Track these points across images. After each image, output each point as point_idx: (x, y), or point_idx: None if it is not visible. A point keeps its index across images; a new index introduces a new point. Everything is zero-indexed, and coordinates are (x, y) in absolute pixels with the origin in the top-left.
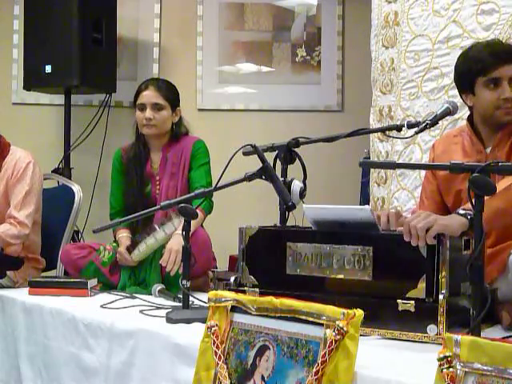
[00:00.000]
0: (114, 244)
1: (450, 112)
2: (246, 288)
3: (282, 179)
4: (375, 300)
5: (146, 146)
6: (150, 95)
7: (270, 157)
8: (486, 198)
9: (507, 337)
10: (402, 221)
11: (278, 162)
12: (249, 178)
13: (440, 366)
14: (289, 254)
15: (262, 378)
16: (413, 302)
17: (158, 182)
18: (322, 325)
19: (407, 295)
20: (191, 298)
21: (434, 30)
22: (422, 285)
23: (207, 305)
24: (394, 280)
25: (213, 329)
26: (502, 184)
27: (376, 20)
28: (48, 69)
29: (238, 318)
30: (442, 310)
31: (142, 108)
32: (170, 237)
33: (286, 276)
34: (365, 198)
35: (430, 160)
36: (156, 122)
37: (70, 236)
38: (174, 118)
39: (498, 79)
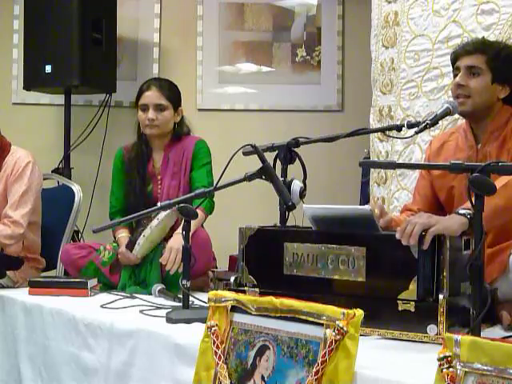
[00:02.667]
0: (114, 244)
1: (449, 112)
2: (246, 288)
3: (282, 179)
4: (375, 300)
5: (147, 145)
6: (152, 96)
7: (269, 157)
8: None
9: (507, 337)
10: (389, 219)
11: (278, 162)
12: (249, 178)
13: (440, 366)
14: (286, 254)
15: (262, 377)
16: (413, 302)
17: (159, 182)
18: (322, 325)
19: (399, 297)
20: (191, 298)
21: (434, 30)
22: (413, 286)
23: (207, 305)
24: (386, 281)
25: (213, 329)
26: (499, 181)
27: (376, 20)
28: (48, 69)
29: (238, 318)
30: (441, 309)
31: (145, 108)
32: (165, 227)
33: (284, 276)
34: (365, 198)
35: (426, 157)
36: (159, 122)
37: (70, 236)
38: (176, 118)
39: (458, 69)
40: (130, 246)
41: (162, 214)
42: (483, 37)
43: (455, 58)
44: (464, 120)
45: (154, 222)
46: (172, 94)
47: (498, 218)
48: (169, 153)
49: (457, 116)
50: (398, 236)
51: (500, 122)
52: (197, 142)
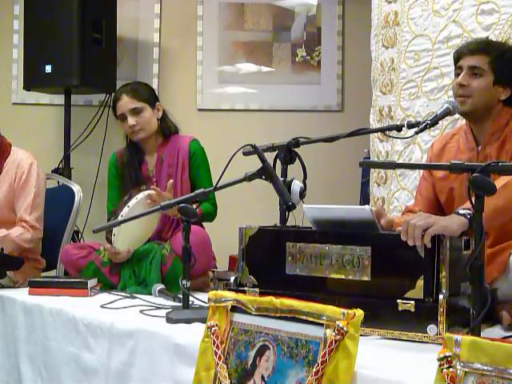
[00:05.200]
0: None
1: (449, 112)
2: (246, 288)
3: (282, 179)
4: (375, 300)
5: (139, 149)
6: (124, 103)
7: (270, 157)
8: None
9: (507, 337)
10: (390, 219)
11: (278, 162)
12: (249, 178)
13: (440, 366)
14: (288, 253)
15: (262, 377)
16: (413, 301)
17: (155, 184)
18: (322, 325)
19: (405, 295)
20: (191, 298)
21: (434, 30)
22: (420, 285)
23: (207, 305)
24: (392, 280)
25: (213, 329)
26: (499, 182)
27: (376, 20)
28: (48, 69)
29: (238, 317)
30: (442, 309)
31: (123, 118)
32: (148, 224)
33: (285, 276)
34: (365, 198)
35: (428, 159)
36: (141, 125)
37: (70, 236)
38: (157, 114)
39: (460, 68)
40: (108, 236)
41: (133, 202)
42: (487, 37)
43: (458, 56)
44: (464, 121)
45: (125, 210)
46: (142, 93)
47: (497, 218)
48: (162, 154)
49: (457, 116)
50: (403, 238)
51: (500, 124)
52: (191, 143)
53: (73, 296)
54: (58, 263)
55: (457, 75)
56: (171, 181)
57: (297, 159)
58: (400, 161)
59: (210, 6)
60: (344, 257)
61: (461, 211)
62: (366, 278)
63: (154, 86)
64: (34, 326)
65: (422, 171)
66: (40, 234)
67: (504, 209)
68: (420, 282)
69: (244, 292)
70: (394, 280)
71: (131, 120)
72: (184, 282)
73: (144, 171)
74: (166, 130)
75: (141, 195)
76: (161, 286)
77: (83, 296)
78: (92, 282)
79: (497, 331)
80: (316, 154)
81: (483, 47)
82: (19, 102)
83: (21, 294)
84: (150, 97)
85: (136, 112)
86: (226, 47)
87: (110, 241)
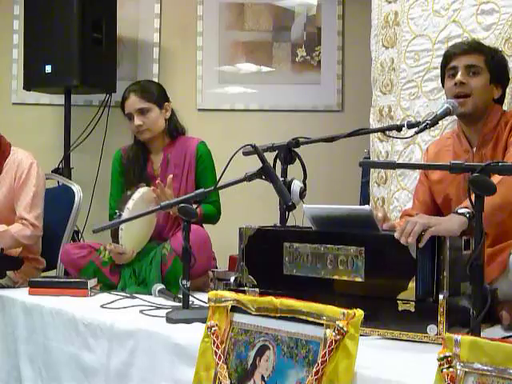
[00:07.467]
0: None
1: (450, 112)
2: (246, 288)
3: (282, 179)
4: (375, 300)
5: (145, 147)
6: (132, 103)
7: (269, 157)
8: None
9: (507, 337)
10: (392, 224)
11: (278, 162)
12: (249, 178)
13: (440, 366)
14: (286, 254)
15: (262, 377)
16: (413, 302)
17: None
18: (322, 325)
19: (398, 297)
20: (191, 298)
21: (434, 30)
22: (411, 286)
23: (207, 305)
24: (385, 281)
25: (213, 329)
26: (494, 179)
27: (376, 20)
28: (48, 69)
29: (238, 318)
30: (442, 309)
31: (130, 117)
32: (150, 220)
33: (284, 276)
34: (365, 198)
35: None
36: (147, 126)
37: (70, 236)
38: (165, 115)
39: (455, 67)
40: (114, 237)
41: (137, 195)
42: (474, 38)
43: (449, 57)
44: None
45: (130, 204)
46: (151, 93)
47: (495, 215)
48: (168, 154)
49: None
50: (396, 235)
51: (492, 124)
52: (199, 145)
53: (73, 296)
54: (58, 263)
55: (450, 76)
56: (171, 176)
57: (297, 159)
58: (400, 161)
59: (210, 6)
60: (338, 257)
61: (460, 210)
62: (359, 279)
63: None
64: (34, 326)
65: (421, 171)
66: (39, 232)
67: (501, 206)
68: (412, 283)
69: (244, 292)
70: (387, 281)
71: (137, 120)
72: (184, 281)
73: (149, 170)
74: (174, 130)
75: (136, 195)
76: (161, 286)
77: (83, 296)
78: (92, 282)
79: (497, 331)
80: (316, 154)
81: (477, 47)
82: (19, 102)
83: (21, 294)
84: (158, 97)
85: (143, 112)
86: (226, 47)
87: (116, 235)
